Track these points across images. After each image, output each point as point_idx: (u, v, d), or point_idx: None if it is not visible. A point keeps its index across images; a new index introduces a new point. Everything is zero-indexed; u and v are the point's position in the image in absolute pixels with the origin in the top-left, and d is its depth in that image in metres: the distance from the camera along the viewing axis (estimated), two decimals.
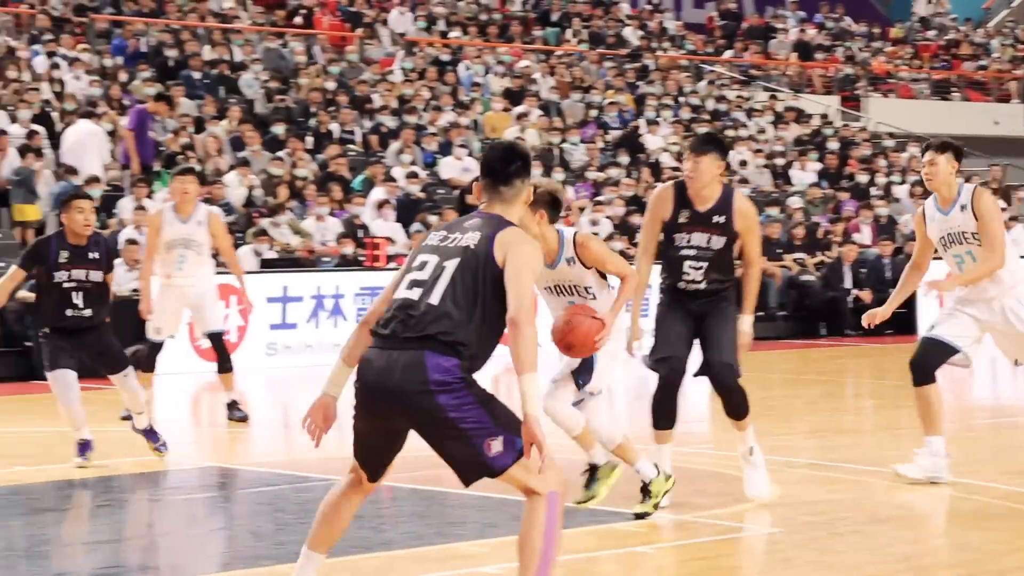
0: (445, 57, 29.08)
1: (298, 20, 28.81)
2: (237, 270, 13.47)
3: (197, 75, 24.60)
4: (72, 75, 23.27)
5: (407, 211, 21.87)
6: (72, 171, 20.21)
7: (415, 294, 5.73)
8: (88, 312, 10.34)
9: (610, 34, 33.27)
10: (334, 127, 24.34)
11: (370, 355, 5.74)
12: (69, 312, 10.29)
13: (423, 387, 5.59)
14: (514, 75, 28.85)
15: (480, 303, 5.69)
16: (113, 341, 10.59)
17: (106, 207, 19.78)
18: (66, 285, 10.26)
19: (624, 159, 26.06)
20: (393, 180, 22.44)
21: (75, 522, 8.94)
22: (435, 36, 30.27)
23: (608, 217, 23.28)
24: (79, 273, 10.29)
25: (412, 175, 22.85)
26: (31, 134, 20.45)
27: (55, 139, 21.05)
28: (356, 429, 5.85)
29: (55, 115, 21.75)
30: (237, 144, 22.47)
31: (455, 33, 30.59)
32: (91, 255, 10.35)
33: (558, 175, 24.47)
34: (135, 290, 18.10)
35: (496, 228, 5.78)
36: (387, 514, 9.01)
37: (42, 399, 15.51)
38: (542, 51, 31.14)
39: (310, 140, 23.71)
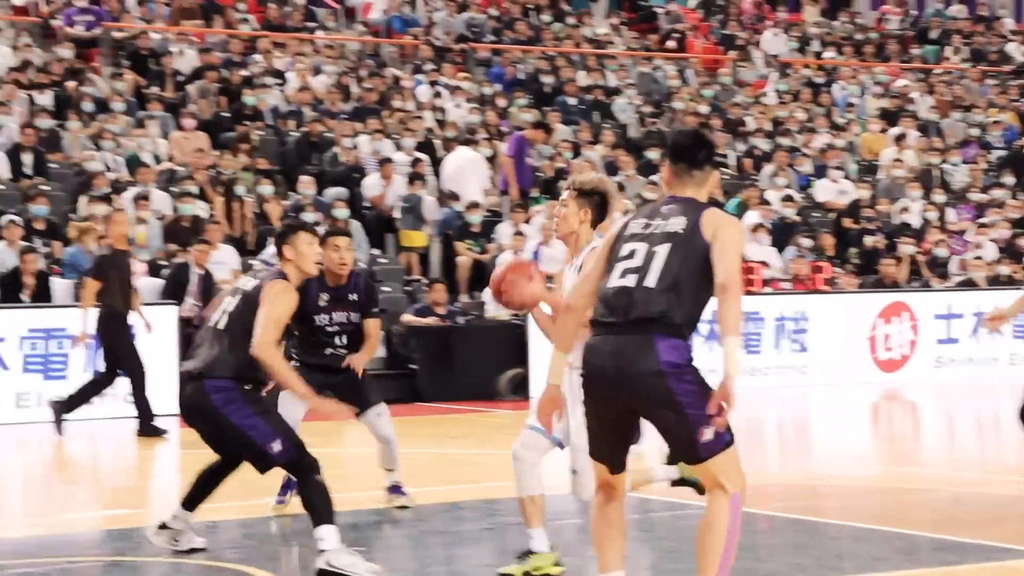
0: (819, 79, 28.68)
1: (671, 44, 28.92)
2: None
3: (572, 101, 24.97)
4: (453, 103, 23.94)
5: (782, 234, 21.65)
6: (454, 197, 20.78)
7: (631, 280, 5.95)
8: (347, 351, 9.85)
9: (993, 50, 32.19)
10: None
11: (595, 342, 5.99)
12: (328, 351, 9.84)
13: (655, 368, 5.83)
14: (891, 95, 28.24)
15: (693, 283, 5.89)
16: (363, 379, 9.87)
17: (485, 232, 20.25)
18: (328, 328, 9.81)
19: (1009, 180, 25.17)
20: (767, 203, 22.24)
21: (462, 545, 9.12)
22: (809, 57, 29.91)
23: (992, 240, 22.52)
24: (340, 316, 9.80)
25: (787, 198, 22.63)
26: (415, 161, 21.09)
27: (437, 166, 21.68)
28: (589, 426, 6.10)
29: (437, 143, 22.39)
30: (611, 169, 22.67)
31: (829, 53, 30.15)
32: (350, 296, 9.84)
33: (938, 197, 23.83)
34: (514, 315, 18.47)
35: (698, 211, 6.00)
36: (767, 544, 8.89)
37: (427, 421, 15.98)
38: (920, 70, 30.39)
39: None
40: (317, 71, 23.90)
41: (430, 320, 18.14)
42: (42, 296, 16.19)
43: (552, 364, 6.19)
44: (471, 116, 23.58)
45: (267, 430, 7.86)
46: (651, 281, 5.90)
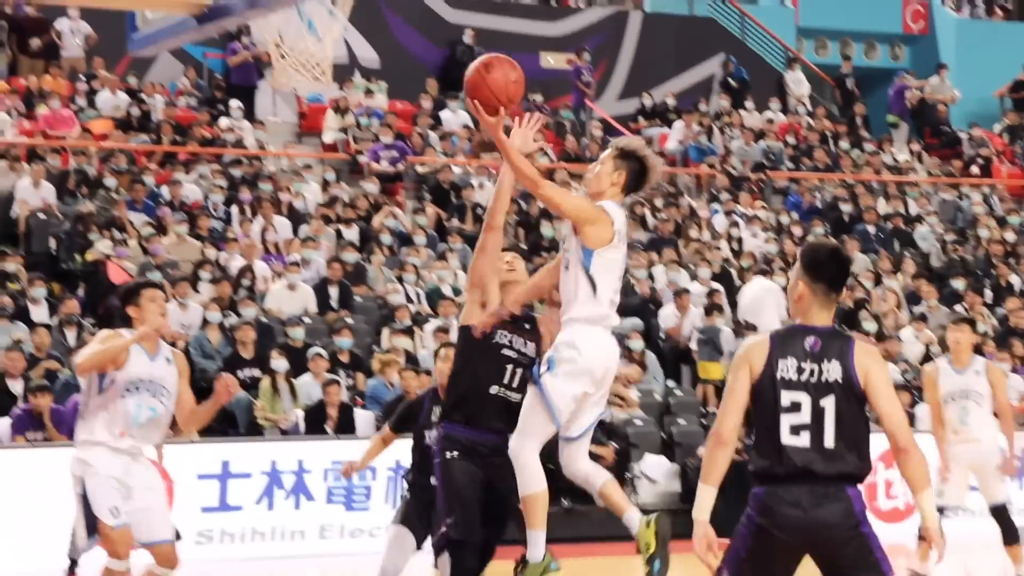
0: None
1: (975, 170, 28.26)
2: (1008, 428, 12.21)
3: (872, 229, 24.56)
4: (749, 232, 23.81)
5: None
6: (751, 327, 20.55)
7: (805, 440, 5.86)
8: None
9: None
10: (1015, 279, 23.57)
11: (776, 491, 5.89)
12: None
13: (853, 520, 5.76)
14: None
15: (864, 434, 5.90)
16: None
17: None
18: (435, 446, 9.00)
19: None
20: None
21: None
22: None
23: None
24: None
25: None
26: (711, 292, 20.97)
27: (733, 296, 21.52)
28: (742, 573, 5.98)
29: (733, 272, 22.25)
30: (913, 299, 22.17)
31: None
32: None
33: None
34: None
35: (847, 351, 5.94)
36: None
37: None
38: None
39: (989, 294, 23.07)
40: None
41: None
42: (345, 428, 16.54)
43: (700, 499, 6.14)
44: (768, 245, 23.40)
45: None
46: (829, 441, 5.85)
